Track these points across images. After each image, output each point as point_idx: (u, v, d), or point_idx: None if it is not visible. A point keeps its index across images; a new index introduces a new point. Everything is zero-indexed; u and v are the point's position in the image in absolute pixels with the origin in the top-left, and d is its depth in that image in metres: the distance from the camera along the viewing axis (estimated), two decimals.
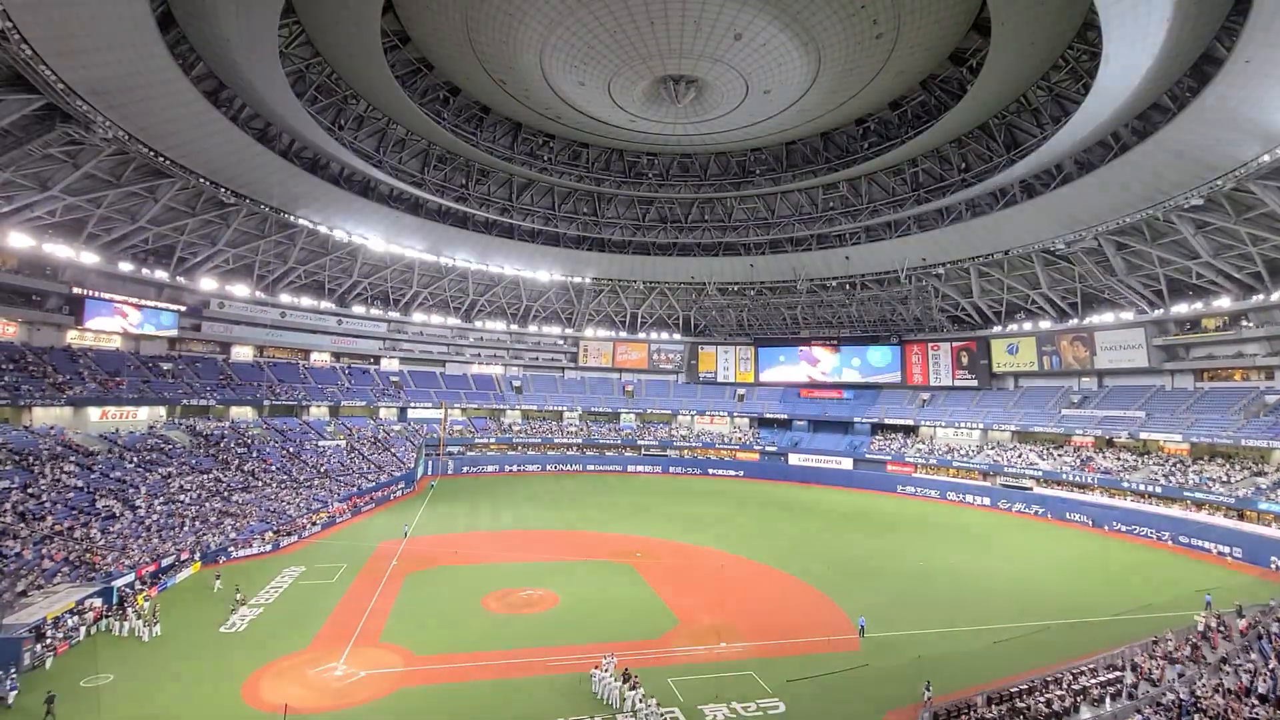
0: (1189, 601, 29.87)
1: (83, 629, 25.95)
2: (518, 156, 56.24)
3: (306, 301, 64.35)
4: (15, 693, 20.75)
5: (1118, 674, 21.04)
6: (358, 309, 68.95)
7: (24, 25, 26.19)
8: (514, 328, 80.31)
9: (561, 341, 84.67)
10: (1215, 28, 30.26)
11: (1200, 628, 24.20)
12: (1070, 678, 20.70)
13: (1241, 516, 42.35)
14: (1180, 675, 20.54)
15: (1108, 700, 19.57)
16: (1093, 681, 20.50)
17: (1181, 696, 18.22)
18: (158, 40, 29.59)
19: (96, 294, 47.52)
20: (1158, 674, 20.78)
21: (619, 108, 47.12)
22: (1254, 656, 20.88)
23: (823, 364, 77.85)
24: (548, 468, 73.91)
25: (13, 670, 21.50)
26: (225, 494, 43.18)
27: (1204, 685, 18.81)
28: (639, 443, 78.21)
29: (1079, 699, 19.49)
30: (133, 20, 27.72)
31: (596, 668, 22.36)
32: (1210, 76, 31.44)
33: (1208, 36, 30.90)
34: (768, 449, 74.83)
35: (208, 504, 40.98)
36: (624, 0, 34.36)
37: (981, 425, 64.12)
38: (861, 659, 24.97)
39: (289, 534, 40.88)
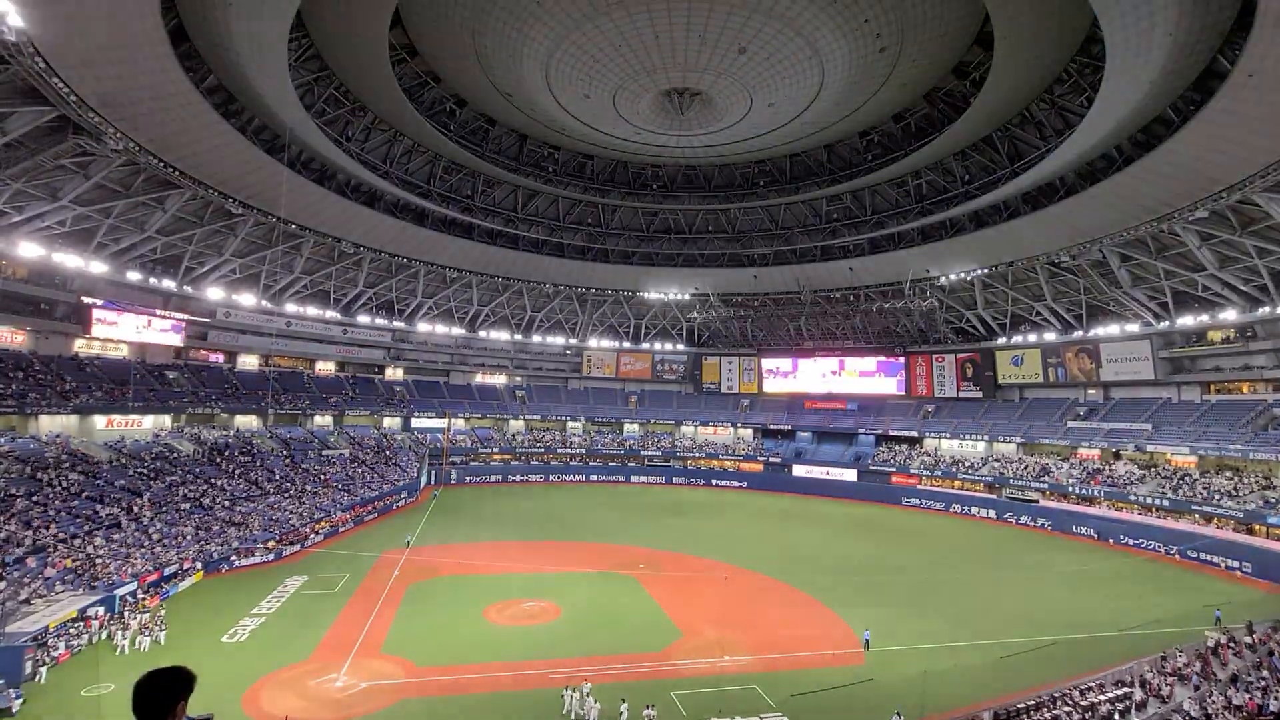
0: (1198, 617, 29.52)
1: (85, 637, 25.95)
2: (523, 168, 56.62)
3: (312, 311, 64.60)
4: (20, 701, 20.70)
5: (1126, 690, 20.78)
6: (363, 319, 69.22)
7: (38, 38, 26.59)
8: (518, 338, 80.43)
9: (565, 352, 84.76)
10: (1218, 42, 30.36)
11: (1210, 644, 23.91)
12: (1078, 694, 20.46)
13: (1250, 530, 41.95)
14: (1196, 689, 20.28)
15: (1116, 717, 19.32)
16: (1101, 698, 20.25)
17: (1192, 714, 17.98)
18: (170, 53, 30.00)
19: (104, 303, 47.87)
20: (1167, 691, 20.52)
21: (624, 120, 47.46)
22: (1265, 674, 20.61)
23: (827, 375, 77.67)
24: (551, 478, 73.78)
25: (20, 679, 21.49)
26: (229, 503, 43.21)
27: (1215, 703, 18.56)
28: (642, 453, 78.02)
29: (1087, 716, 19.24)
30: (145, 34, 28.14)
31: (573, 687, 22.02)
32: (1213, 90, 31.52)
33: (1210, 50, 31.01)
34: (771, 460, 74.55)
35: (211, 512, 41.00)
36: (629, 15, 34.73)
37: (986, 437, 63.80)
38: (866, 673, 24.74)
39: (292, 543, 40.87)
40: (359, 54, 38.85)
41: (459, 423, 75.42)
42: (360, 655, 25.52)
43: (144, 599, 29.88)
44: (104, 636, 26.52)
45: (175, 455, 46.81)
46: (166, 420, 51.92)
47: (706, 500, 64.81)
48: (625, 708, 20.71)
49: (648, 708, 20.52)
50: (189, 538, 37.00)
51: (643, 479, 75.12)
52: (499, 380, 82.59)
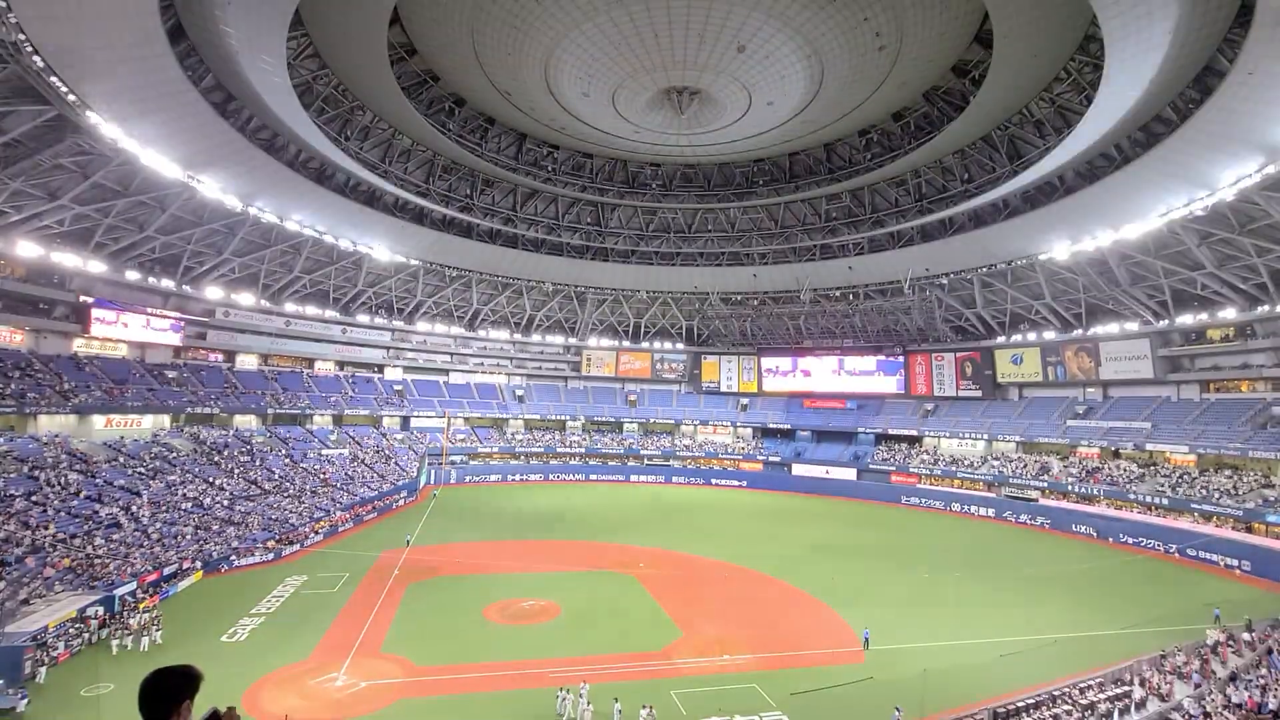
0: (1197, 615, 29.58)
1: (84, 637, 25.93)
2: (522, 167, 56.56)
3: (311, 310, 64.52)
4: (25, 701, 20.71)
5: (1125, 689, 20.80)
6: (362, 318, 69.16)
7: (36, 37, 26.51)
8: (517, 337, 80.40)
9: (564, 351, 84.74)
10: (1217, 40, 30.34)
11: (1209, 642, 23.94)
12: (1077, 693, 20.48)
13: (1249, 529, 41.99)
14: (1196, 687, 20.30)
15: (1116, 715, 19.34)
16: (1100, 697, 20.27)
17: (1191, 712, 18.00)
18: (168, 52, 29.91)
19: (102, 301, 47.76)
20: (1166, 689, 20.54)
21: (623, 119, 47.41)
22: (1264, 672, 20.64)
23: (826, 374, 77.68)
24: (550, 477, 73.78)
25: (19, 679, 21.48)
26: (228, 502, 43.17)
27: (1214, 701, 18.58)
28: (641, 452, 78.02)
29: (1087, 714, 19.26)
30: (144, 32, 28.05)
31: (567, 688, 21.89)
32: (1213, 88, 31.50)
33: (1210, 48, 30.99)
34: (771, 459, 74.57)
35: (210, 512, 40.96)
36: (628, 13, 34.69)
37: (986, 436, 63.82)
38: (866, 672, 24.78)
39: (291, 543, 40.85)
40: (357, 53, 38.77)
41: (458, 422, 75.37)
42: (360, 655, 25.52)
43: (143, 599, 29.87)
44: (103, 636, 26.50)
45: (174, 455, 46.77)
46: (165, 420, 51.83)
47: (706, 499, 64.81)
48: (619, 707, 20.69)
49: (645, 707, 20.51)
50: (188, 537, 36.99)
51: (642, 478, 75.10)
52: (498, 379, 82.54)
